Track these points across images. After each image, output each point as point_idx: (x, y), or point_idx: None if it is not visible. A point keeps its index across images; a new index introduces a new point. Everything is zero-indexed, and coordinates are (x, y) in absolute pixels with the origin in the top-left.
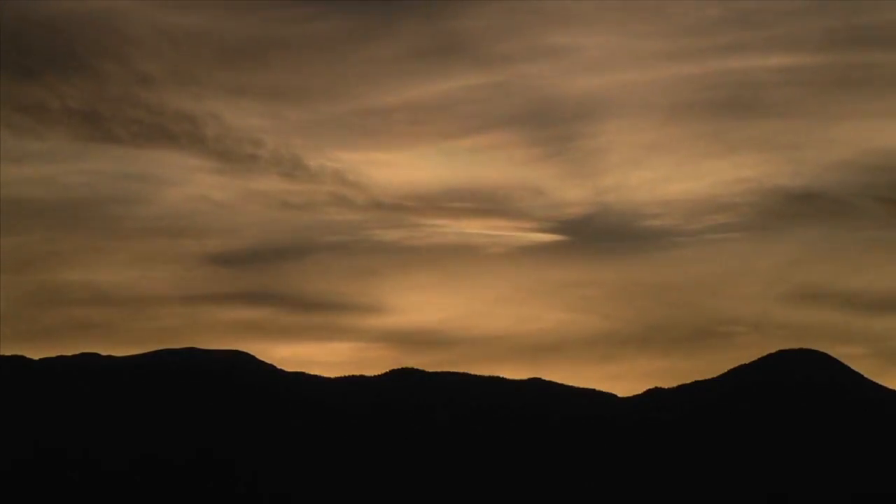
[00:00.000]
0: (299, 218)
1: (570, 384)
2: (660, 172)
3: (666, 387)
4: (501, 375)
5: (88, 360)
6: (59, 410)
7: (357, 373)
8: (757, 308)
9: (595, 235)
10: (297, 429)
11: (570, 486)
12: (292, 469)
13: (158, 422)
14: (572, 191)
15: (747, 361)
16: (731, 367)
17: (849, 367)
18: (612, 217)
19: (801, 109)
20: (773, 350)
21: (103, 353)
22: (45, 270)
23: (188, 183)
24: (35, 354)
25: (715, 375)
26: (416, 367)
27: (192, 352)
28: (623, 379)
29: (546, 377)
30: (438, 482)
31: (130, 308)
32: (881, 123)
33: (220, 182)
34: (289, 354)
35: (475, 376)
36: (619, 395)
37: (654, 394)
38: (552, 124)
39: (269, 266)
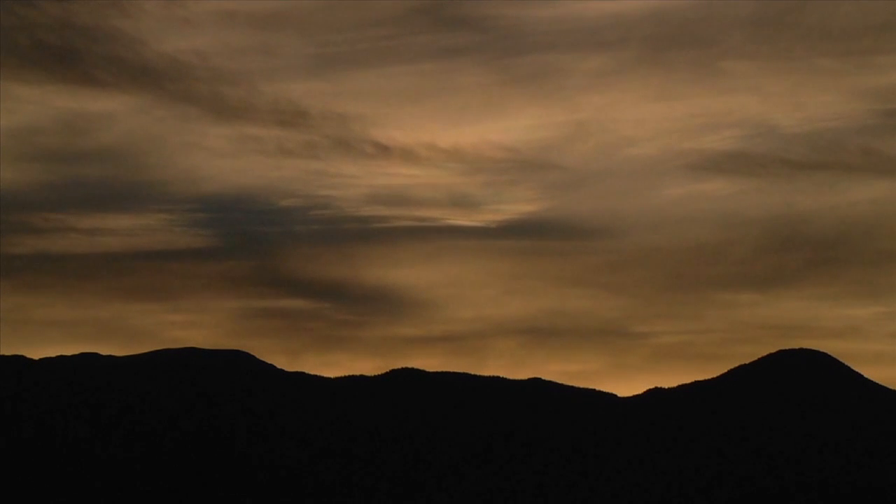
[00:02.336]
0: (292, 168)
1: (570, 384)
2: (636, 107)
3: (666, 387)
4: (501, 375)
5: (89, 360)
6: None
7: (357, 372)
8: (758, 274)
9: (573, 178)
10: (297, 428)
11: (570, 485)
12: (291, 469)
13: (159, 420)
14: (544, 121)
15: (747, 361)
16: (731, 367)
17: (849, 367)
18: (590, 149)
19: (796, 44)
20: (773, 350)
21: (103, 352)
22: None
23: (178, 132)
24: (35, 354)
25: (715, 375)
26: (415, 367)
27: (192, 351)
28: (624, 376)
29: (541, 365)
30: (438, 482)
31: (100, 263)
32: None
33: (213, 130)
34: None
35: (475, 376)
36: (619, 395)
37: (654, 394)
38: (520, 55)
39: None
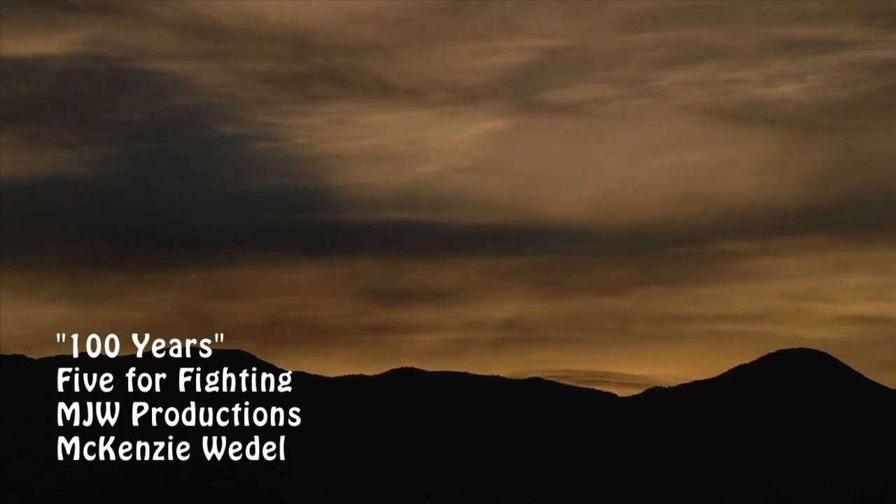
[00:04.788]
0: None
1: (570, 384)
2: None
3: (666, 387)
4: (501, 375)
5: (88, 360)
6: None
7: (357, 372)
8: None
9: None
10: (297, 428)
11: (569, 486)
12: (292, 469)
13: (159, 421)
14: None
15: (747, 361)
16: (731, 367)
17: (849, 367)
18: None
19: None
20: (773, 350)
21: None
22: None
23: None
24: (35, 354)
25: (715, 375)
26: (416, 367)
27: (193, 350)
28: (628, 354)
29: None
30: (438, 482)
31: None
32: None
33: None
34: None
35: (475, 376)
36: (619, 395)
37: (654, 394)
38: None
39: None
